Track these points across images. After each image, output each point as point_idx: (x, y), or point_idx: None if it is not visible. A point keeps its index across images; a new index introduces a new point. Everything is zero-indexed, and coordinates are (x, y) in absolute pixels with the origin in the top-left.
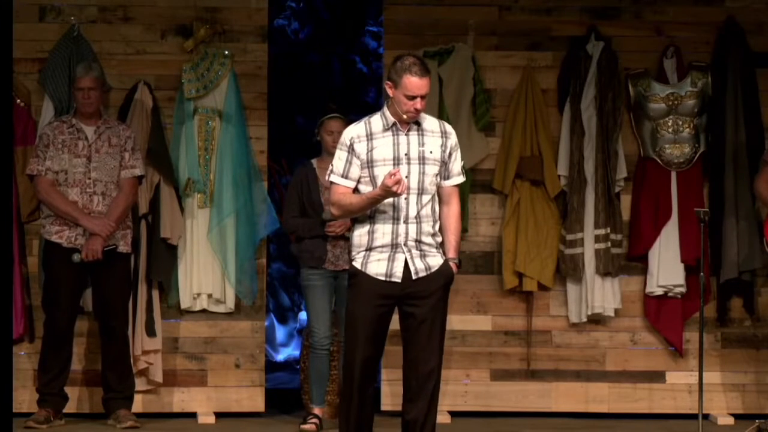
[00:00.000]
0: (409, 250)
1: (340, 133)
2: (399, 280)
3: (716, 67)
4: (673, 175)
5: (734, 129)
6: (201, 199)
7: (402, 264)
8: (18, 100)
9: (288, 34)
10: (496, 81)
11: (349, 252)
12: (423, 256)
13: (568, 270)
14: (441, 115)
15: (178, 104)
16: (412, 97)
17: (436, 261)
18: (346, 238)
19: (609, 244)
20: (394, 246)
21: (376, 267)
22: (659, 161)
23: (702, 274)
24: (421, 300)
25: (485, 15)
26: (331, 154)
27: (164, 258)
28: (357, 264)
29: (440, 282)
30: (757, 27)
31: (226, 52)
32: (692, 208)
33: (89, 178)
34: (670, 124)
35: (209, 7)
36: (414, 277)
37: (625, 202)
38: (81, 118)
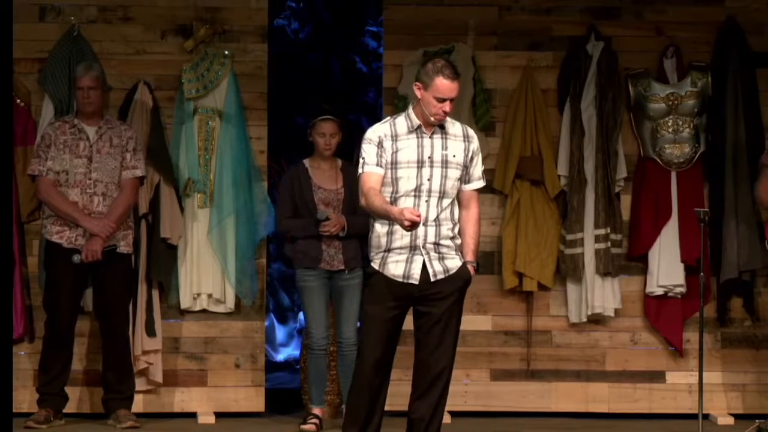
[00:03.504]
0: (428, 253)
1: (332, 135)
2: (417, 282)
3: (716, 67)
4: (673, 175)
5: (734, 129)
6: (201, 199)
7: (420, 266)
8: (18, 100)
9: (288, 34)
10: (496, 81)
11: (342, 251)
12: (441, 258)
13: (568, 270)
14: None
15: (178, 104)
16: (442, 100)
17: (454, 263)
18: (340, 238)
19: (609, 244)
20: (413, 248)
21: (394, 268)
22: (659, 161)
23: (702, 274)
24: (438, 301)
25: (485, 15)
26: (324, 156)
27: (164, 258)
28: (375, 265)
29: (458, 284)
30: (757, 27)
31: (226, 52)
32: (692, 208)
33: (90, 179)
34: (670, 124)
35: (209, 7)
36: (432, 279)
37: (625, 202)
38: (83, 118)
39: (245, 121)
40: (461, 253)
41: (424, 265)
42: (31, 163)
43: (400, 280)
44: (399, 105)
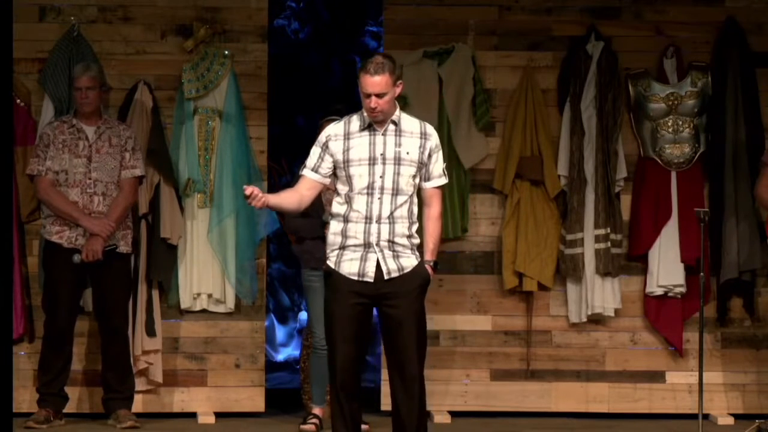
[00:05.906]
0: (381, 250)
1: None
2: (371, 280)
3: (716, 67)
4: (673, 175)
5: (734, 129)
6: (201, 199)
7: (374, 264)
8: (18, 100)
9: (288, 34)
10: (496, 81)
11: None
12: (396, 256)
13: (568, 270)
14: (441, 116)
15: (178, 104)
16: (368, 95)
17: (410, 262)
18: None
19: (609, 244)
20: (367, 245)
21: (349, 266)
22: (659, 161)
23: (702, 274)
24: (396, 300)
25: (485, 15)
26: None
27: (164, 258)
28: (330, 263)
29: (415, 283)
30: (757, 27)
31: (226, 52)
32: (692, 208)
33: (89, 179)
34: (670, 124)
35: (209, 7)
36: (386, 277)
37: (625, 202)
38: (81, 118)
39: (245, 121)
40: (418, 252)
41: (378, 264)
42: (30, 162)
43: (356, 278)
44: (399, 105)
